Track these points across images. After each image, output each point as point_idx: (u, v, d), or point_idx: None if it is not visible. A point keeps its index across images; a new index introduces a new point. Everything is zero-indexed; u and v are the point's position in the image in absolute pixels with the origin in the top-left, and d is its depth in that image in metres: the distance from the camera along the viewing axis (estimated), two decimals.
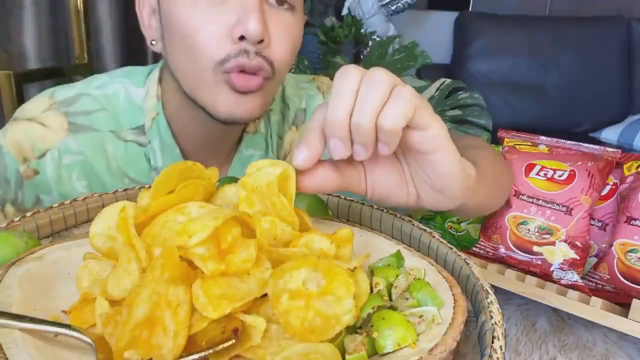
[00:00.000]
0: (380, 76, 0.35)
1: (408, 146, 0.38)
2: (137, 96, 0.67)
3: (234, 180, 0.49)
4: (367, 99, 0.35)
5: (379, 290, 0.35)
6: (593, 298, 0.56)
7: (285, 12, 0.58)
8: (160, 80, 0.67)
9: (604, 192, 0.65)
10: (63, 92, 0.66)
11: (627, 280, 0.57)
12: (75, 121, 0.64)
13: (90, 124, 0.64)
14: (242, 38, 0.54)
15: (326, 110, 0.36)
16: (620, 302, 0.57)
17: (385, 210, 0.49)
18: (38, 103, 0.65)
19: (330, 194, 0.53)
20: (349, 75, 0.36)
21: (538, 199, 0.63)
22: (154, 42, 0.63)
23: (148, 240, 0.32)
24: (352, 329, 0.31)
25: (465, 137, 0.71)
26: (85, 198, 0.49)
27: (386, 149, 0.37)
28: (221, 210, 0.33)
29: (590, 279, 0.61)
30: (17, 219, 0.45)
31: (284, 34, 0.57)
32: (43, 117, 0.63)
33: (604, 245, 0.63)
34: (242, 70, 0.55)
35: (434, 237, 0.44)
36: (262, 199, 0.36)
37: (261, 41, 0.54)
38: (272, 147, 0.75)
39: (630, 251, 0.57)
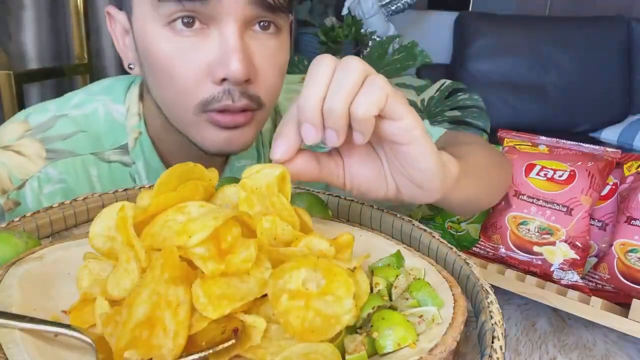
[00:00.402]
0: (354, 64, 0.36)
1: (382, 137, 0.38)
2: (118, 113, 0.63)
3: (234, 180, 0.49)
4: (340, 85, 0.35)
5: (379, 290, 0.35)
6: (593, 298, 0.56)
7: (270, 37, 0.54)
8: (141, 96, 0.64)
9: (604, 192, 0.65)
10: (38, 115, 0.62)
11: (627, 280, 0.57)
12: (53, 147, 0.60)
13: (69, 148, 0.60)
14: (224, 79, 0.51)
15: (299, 98, 0.36)
16: (620, 302, 0.57)
17: (385, 210, 0.49)
18: (12, 128, 0.61)
19: (330, 194, 0.53)
20: (322, 63, 0.36)
21: (538, 199, 0.64)
22: (132, 66, 0.59)
23: (148, 240, 0.32)
24: (352, 329, 0.31)
25: (461, 134, 0.71)
26: (85, 198, 0.49)
27: (361, 137, 0.37)
28: (221, 210, 0.33)
29: (590, 279, 0.61)
30: (17, 219, 0.45)
31: (270, 64, 0.54)
32: (19, 144, 0.59)
33: (604, 245, 0.63)
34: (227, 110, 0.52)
35: (434, 237, 0.44)
36: (262, 200, 0.36)
37: (247, 80, 0.51)
38: (265, 156, 0.73)
39: (630, 251, 0.57)
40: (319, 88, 0.35)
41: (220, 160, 0.69)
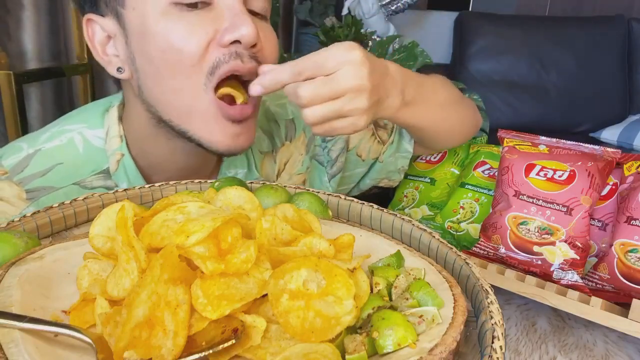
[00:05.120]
0: (344, 84, 0.48)
1: None
2: (96, 139, 0.62)
3: (234, 181, 0.49)
4: (319, 94, 0.48)
5: (379, 291, 0.35)
6: (593, 298, 0.56)
7: (263, 20, 0.58)
8: (120, 118, 0.63)
9: (604, 192, 0.65)
10: (11, 156, 0.60)
11: (627, 280, 0.57)
12: (32, 186, 0.59)
13: (49, 183, 0.59)
14: (233, 43, 0.53)
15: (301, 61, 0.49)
16: (620, 302, 0.57)
17: (385, 210, 0.49)
18: None
19: (330, 194, 0.53)
20: (331, 60, 0.49)
21: (538, 199, 0.63)
22: (121, 70, 0.58)
23: (146, 238, 0.32)
24: (352, 329, 0.31)
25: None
26: (85, 198, 0.49)
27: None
28: (220, 212, 0.33)
29: (590, 279, 0.61)
30: (17, 219, 0.44)
31: (271, 39, 0.58)
32: None
33: (604, 245, 0.63)
34: (235, 76, 0.54)
35: (434, 237, 0.44)
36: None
37: (254, 46, 0.54)
38: (256, 163, 0.72)
39: (630, 251, 0.57)
40: (309, 74, 0.48)
41: (209, 170, 0.69)
